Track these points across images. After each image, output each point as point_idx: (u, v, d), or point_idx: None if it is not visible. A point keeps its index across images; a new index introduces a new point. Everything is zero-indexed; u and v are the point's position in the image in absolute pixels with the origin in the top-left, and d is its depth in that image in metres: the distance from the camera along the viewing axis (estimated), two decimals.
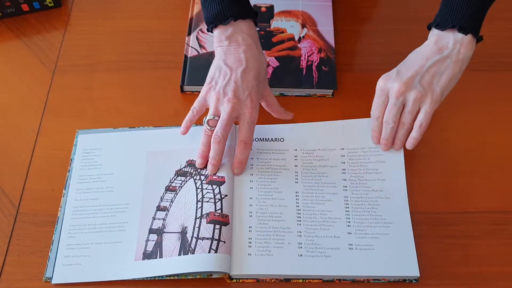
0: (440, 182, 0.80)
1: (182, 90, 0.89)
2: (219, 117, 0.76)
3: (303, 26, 0.96)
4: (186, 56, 0.92)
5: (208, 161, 0.77)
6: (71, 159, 0.81)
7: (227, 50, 0.78)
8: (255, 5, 0.99)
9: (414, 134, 0.76)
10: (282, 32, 0.96)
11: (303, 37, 0.95)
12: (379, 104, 0.77)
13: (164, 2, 1.01)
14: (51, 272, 0.71)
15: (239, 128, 0.77)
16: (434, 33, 0.77)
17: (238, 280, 0.71)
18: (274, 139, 0.82)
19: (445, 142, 0.84)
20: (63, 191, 0.78)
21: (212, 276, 0.71)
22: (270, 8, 0.99)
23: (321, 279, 0.71)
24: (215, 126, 0.76)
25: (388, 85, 0.75)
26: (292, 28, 0.96)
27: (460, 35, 0.75)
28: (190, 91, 0.89)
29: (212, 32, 0.80)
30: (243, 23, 0.79)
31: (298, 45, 0.94)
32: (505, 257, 0.73)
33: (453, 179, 0.80)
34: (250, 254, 0.71)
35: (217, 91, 0.76)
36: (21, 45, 0.95)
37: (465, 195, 0.79)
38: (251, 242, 0.72)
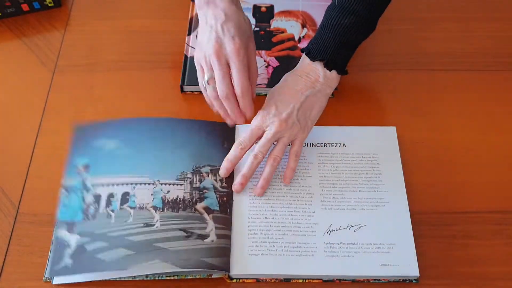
0: (440, 182, 0.80)
1: (182, 90, 0.89)
2: None
3: (303, 26, 0.96)
4: (186, 56, 0.92)
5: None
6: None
7: (206, 13, 0.78)
8: (255, 5, 0.99)
9: (293, 165, 0.77)
10: (282, 32, 0.96)
11: (303, 37, 0.95)
12: (252, 137, 0.76)
13: (164, 2, 1.01)
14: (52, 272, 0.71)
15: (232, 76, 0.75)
16: (306, 62, 0.79)
17: (238, 280, 0.71)
18: None
19: (445, 142, 0.84)
20: None
21: (212, 276, 0.71)
22: (270, 8, 0.99)
23: (321, 279, 0.71)
24: (215, 84, 0.75)
25: (267, 121, 0.76)
26: (292, 28, 0.96)
27: (327, 70, 0.77)
28: (190, 91, 0.89)
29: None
30: None
31: (298, 45, 0.94)
32: (505, 257, 0.73)
33: (453, 179, 0.80)
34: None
35: (204, 50, 0.76)
36: (21, 45, 0.95)
37: (465, 195, 0.78)
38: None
